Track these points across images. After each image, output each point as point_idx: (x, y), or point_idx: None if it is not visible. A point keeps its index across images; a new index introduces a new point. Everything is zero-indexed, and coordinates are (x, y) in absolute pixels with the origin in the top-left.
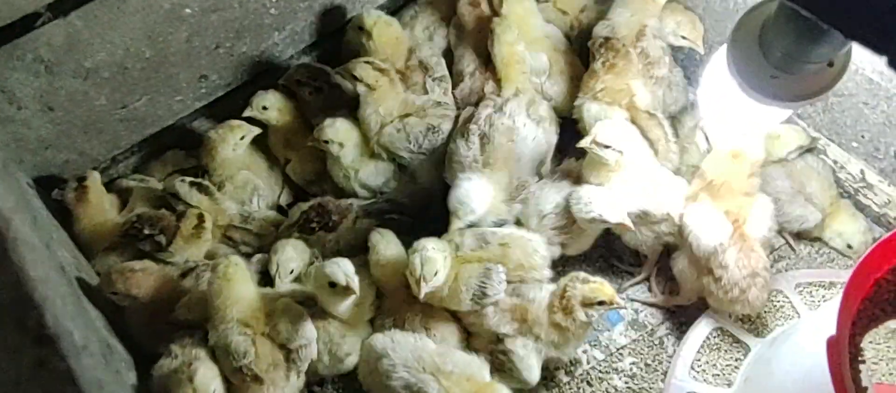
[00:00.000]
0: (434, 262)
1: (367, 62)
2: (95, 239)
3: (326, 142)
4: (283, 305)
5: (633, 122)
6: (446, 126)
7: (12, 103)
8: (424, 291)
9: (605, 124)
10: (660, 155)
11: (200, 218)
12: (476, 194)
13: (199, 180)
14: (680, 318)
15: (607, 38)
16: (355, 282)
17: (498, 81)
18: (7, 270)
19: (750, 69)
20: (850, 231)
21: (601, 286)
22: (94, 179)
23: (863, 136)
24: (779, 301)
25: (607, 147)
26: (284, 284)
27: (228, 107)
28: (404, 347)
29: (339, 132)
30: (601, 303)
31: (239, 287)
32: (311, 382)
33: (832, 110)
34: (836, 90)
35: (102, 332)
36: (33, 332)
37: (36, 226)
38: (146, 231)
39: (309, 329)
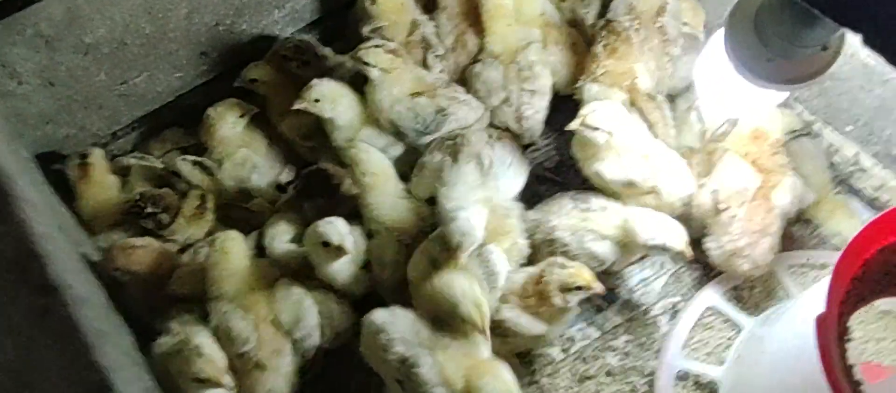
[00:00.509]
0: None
1: (378, 45)
2: (98, 216)
3: (317, 100)
4: (283, 288)
5: (633, 104)
6: (454, 109)
7: (13, 78)
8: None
9: (594, 106)
10: (658, 135)
11: (202, 198)
12: (476, 221)
13: (200, 159)
14: (674, 297)
15: (609, 21)
16: (349, 241)
17: (482, 34)
18: (11, 225)
19: (746, 52)
20: (847, 230)
21: (579, 271)
22: (97, 156)
23: (857, 121)
24: (771, 282)
25: (596, 129)
26: (280, 247)
27: (229, 84)
28: (403, 322)
29: (327, 91)
30: (579, 288)
31: (235, 261)
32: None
33: (827, 94)
34: (832, 74)
35: (102, 287)
36: (36, 283)
37: (38, 188)
38: (149, 209)
39: (310, 316)
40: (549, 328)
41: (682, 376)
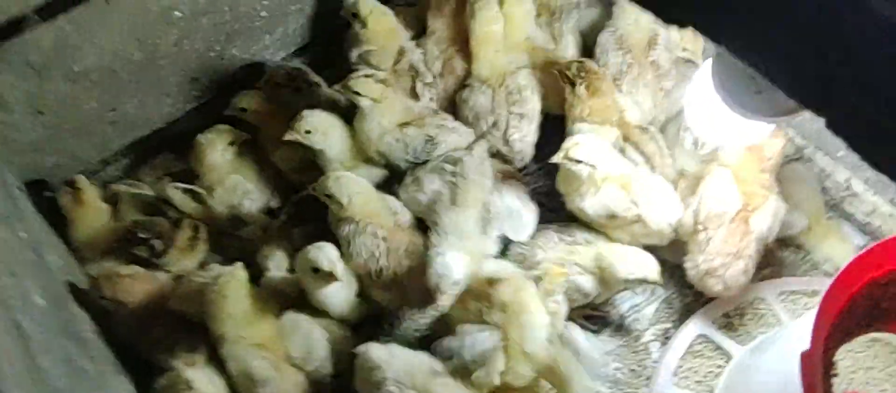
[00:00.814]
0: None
1: (368, 75)
2: (90, 243)
3: (308, 132)
4: (290, 321)
5: (626, 138)
6: (443, 136)
7: (1, 107)
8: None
9: (578, 139)
10: (656, 170)
11: (196, 229)
12: (455, 264)
13: (192, 187)
14: (666, 323)
15: (581, 62)
16: (339, 268)
17: (470, 59)
18: None
19: (734, 85)
20: (839, 255)
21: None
22: (83, 182)
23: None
24: (762, 309)
25: (579, 162)
26: (277, 274)
27: (220, 109)
28: (399, 362)
29: (318, 123)
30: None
31: (237, 302)
32: None
33: (819, 119)
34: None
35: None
36: None
37: (22, 244)
38: (141, 235)
39: (320, 347)
40: None
41: None
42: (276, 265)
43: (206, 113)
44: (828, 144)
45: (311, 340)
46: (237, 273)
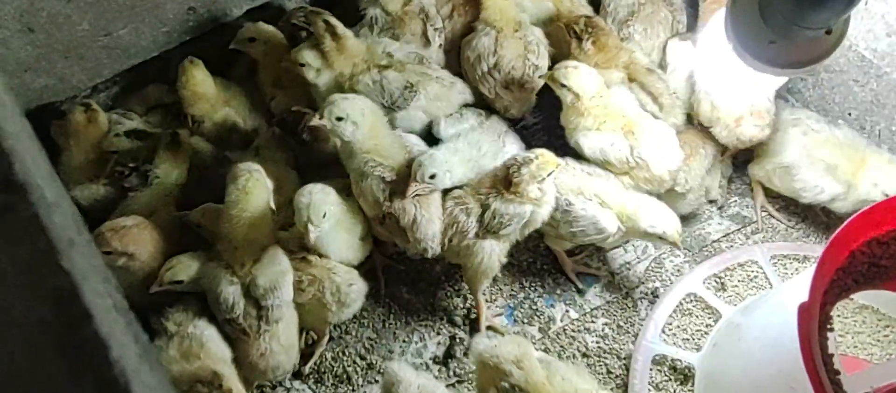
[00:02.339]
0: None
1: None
2: (82, 168)
3: (302, 65)
4: (272, 254)
5: (632, 79)
6: (425, 85)
7: None
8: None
9: (570, 64)
10: (664, 109)
11: (173, 135)
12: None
13: (136, 127)
14: (655, 282)
15: (589, 18)
16: (321, 218)
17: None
18: None
19: (748, 33)
20: (887, 179)
21: (543, 157)
22: (97, 107)
23: (850, 114)
24: (753, 271)
25: (563, 86)
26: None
27: (215, 43)
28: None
29: (316, 56)
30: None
31: (257, 201)
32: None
33: (821, 86)
34: (828, 66)
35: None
36: (1, 178)
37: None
38: (131, 165)
39: (287, 291)
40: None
41: (659, 360)
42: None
43: (201, 45)
44: (829, 112)
45: (280, 282)
46: (254, 172)
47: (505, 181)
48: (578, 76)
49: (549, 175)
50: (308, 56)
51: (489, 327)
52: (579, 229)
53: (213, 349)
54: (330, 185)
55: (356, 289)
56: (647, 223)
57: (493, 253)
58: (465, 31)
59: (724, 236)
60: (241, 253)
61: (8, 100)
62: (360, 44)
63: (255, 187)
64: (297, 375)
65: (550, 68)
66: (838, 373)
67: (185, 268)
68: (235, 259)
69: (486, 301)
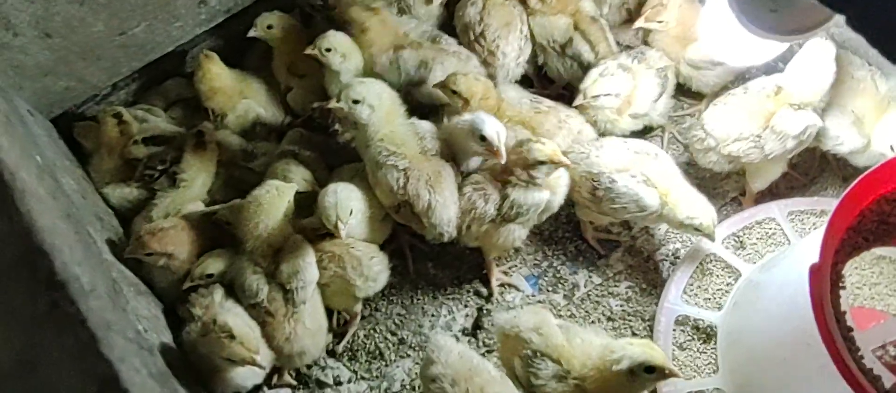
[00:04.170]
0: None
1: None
2: (112, 171)
3: (328, 50)
4: (292, 242)
5: (576, 27)
6: (441, 60)
7: (8, 29)
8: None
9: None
10: (600, 53)
11: (199, 133)
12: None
13: (155, 134)
14: (675, 244)
15: None
16: (344, 218)
17: None
18: (17, 220)
19: (750, 1)
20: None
21: (544, 147)
22: (129, 116)
23: (869, 64)
24: (771, 228)
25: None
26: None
27: (228, 33)
28: (458, 360)
29: (342, 43)
30: (542, 163)
31: (275, 213)
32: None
33: (834, 39)
34: (839, 19)
35: (108, 273)
36: (45, 277)
37: (41, 172)
38: (159, 168)
39: (309, 272)
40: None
41: (681, 321)
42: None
43: (215, 35)
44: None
45: (303, 264)
46: (282, 187)
47: (521, 162)
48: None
49: (542, 164)
50: (335, 40)
51: (502, 285)
52: (621, 206)
53: (240, 321)
54: (347, 171)
55: (377, 261)
56: (685, 215)
57: (510, 236)
58: None
59: (741, 193)
60: (263, 247)
61: (41, 191)
62: (386, 24)
63: (272, 203)
64: (331, 353)
65: None
66: (851, 329)
67: (215, 262)
68: (259, 252)
69: (498, 264)
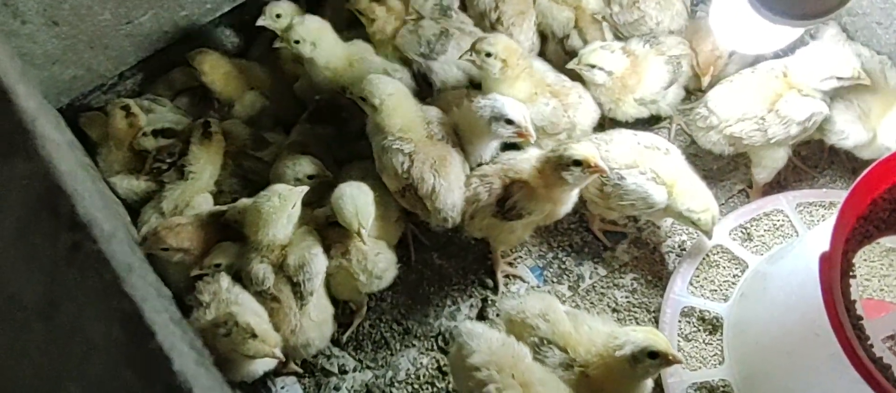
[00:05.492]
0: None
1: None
2: (121, 161)
3: (297, 42)
4: (299, 233)
5: (577, 23)
6: (460, 41)
7: (16, 17)
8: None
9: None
10: None
11: (206, 124)
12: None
13: (164, 127)
14: (682, 236)
15: None
16: (364, 218)
17: None
18: (38, 163)
19: None
20: None
21: (576, 150)
22: (137, 109)
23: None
24: (779, 219)
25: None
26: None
27: (235, 21)
28: (502, 350)
29: (310, 30)
30: (577, 163)
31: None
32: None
33: (845, 30)
34: (850, 9)
35: (125, 223)
36: (66, 219)
37: (58, 122)
38: (168, 161)
39: (316, 264)
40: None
41: (687, 312)
42: (300, 170)
43: (221, 25)
44: None
45: (311, 256)
46: (285, 193)
47: (554, 162)
48: (504, 42)
49: (577, 165)
50: (302, 30)
51: (507, 276)
52: (628, 203)
53: (247, 304)
54: (357, 169)
55: (384, 258)
56: (686, 207)
57: (515, 231)
58: None
59: (749, 186)
60: (271, 245)
61: (59, 137)
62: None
63: (274, 212)
64: (336, 342)
65: None
66: (861, 318)
67: (224, 252)
68: (266, 248)
69: (504, 256)
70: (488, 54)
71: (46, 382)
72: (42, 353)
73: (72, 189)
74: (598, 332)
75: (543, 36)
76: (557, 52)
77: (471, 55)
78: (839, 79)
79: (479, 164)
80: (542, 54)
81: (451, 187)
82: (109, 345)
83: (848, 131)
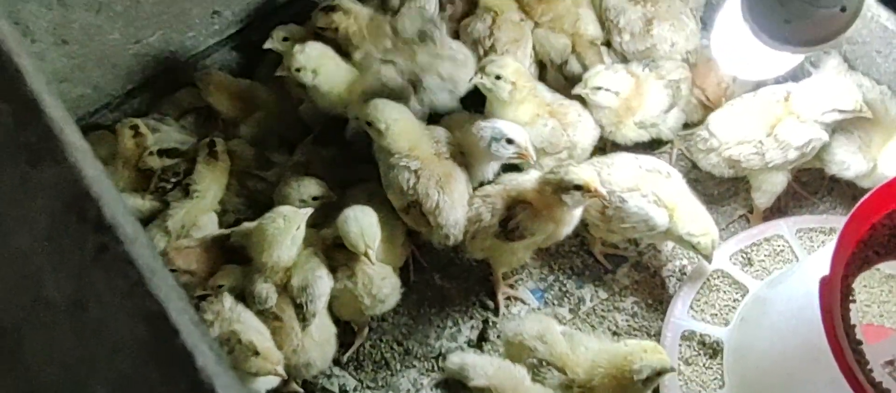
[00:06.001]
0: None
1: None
2: (125, 180)
3: (298, 70)
4: (303, 255)
5: (574, 49)
6: (439, 68)
7: (26, 36)
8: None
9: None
10: None
11: (211, 144)
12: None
13: (169, 147)
14: (682, 260)
15: None
16: (371, 238)
17: None
18: (66, 169)
19: (763, 13)
20: None
21: (576, 172)
22: (145, 128)
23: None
24: (779, 245)
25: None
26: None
27: (241, 43)
28: (500, 374)
29: (310, 58)
30: (577, 188)
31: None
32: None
33: (845, 59)
34: (850, 37)
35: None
36: (93, 222)
37: (81, 132)
38: (173, 180)
39: (319, 286)
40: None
41: (687, 336)
42: (305, 192)
43: (228, 46)
44: None
45: (315, 279)
46: (291, 216)
47: (554, 185)
48: (512, 65)
49: (577, 189)
50: (302, 58)
51: (508, 298)
52: (630, 225)
53: (250, 323)
54: (362, 192)
55: (389, 283)
56: (686, 231)
57: (516, 253)
58: (465, 14)
59: (750, 211)
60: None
61: (83, 144)
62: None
63: (278, 234)
64: (337, 362)
65: None
66: (860, 343)
67: (228, 274)
68: (270, 269)
69: (504, 277)
70: (498, 77)
71: (74, 380)
72: (70, 352)
73: (97, 193)
74: (593, 351)
75: (541, 64)
76: (557, 78)
77: (481, 78)
78: (841, 112)
79: (481, 184)
80: (542, 82)
81: (455, 204)
82: (135, 343)
83: (849, 162)
